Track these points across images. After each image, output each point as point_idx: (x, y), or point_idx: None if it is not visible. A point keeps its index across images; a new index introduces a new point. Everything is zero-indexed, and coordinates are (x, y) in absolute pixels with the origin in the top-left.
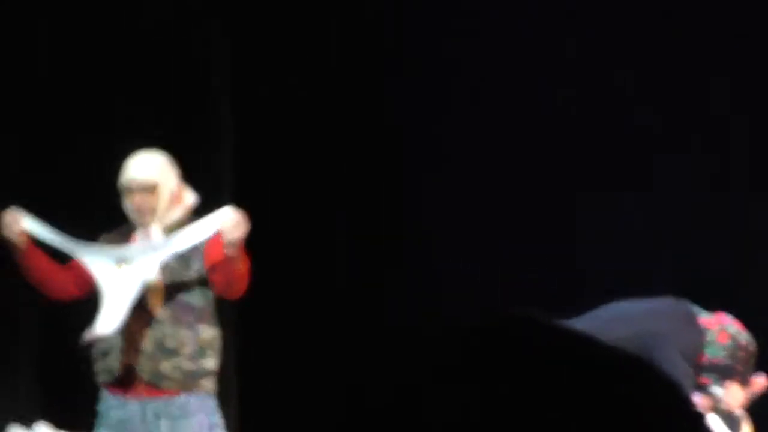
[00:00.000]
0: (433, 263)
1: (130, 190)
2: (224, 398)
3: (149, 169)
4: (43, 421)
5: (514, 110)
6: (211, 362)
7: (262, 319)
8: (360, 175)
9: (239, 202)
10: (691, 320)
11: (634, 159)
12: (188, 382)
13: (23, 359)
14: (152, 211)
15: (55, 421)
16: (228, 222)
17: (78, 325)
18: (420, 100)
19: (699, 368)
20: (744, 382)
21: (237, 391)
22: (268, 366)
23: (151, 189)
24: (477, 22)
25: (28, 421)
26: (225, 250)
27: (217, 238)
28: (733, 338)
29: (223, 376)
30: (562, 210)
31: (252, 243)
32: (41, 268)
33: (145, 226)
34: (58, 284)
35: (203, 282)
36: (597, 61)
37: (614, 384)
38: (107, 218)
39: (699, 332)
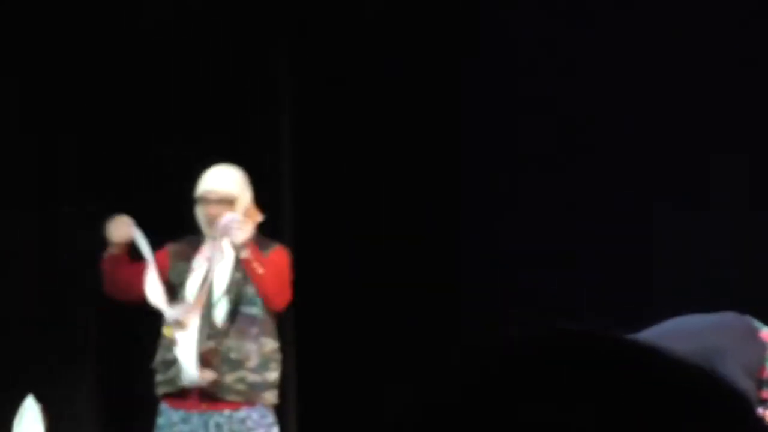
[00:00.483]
0: (500, 272)
1: (207, 201)
2: (282, 410)
3: (229, 183)
4: None
5: (588, 117)
6: (274, 374)
7: (320, 329)
8: (419, 184)
9: (298, 214)
10: (752, 335)
11: (712, 172)
12: (252, 394)
13: (81, 373)
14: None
15: None
16: (231, 225)
17: (136, 339)
18: (490, 102)
19: (760, 383)
20: None
21: (295, 402)
22: (325, 377)
23: (229, 202)
24: (554, 20)
25: None
26: (238, 254)
27: (271, 258)
28: None
29: (281, 388)
30: (636, 220)
31: (311, 255)
32: (130, 273)
33: (216, 238)
34: (136, 289)
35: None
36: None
37: (683, 399)
38: (173, 227)
39: (760, 347)
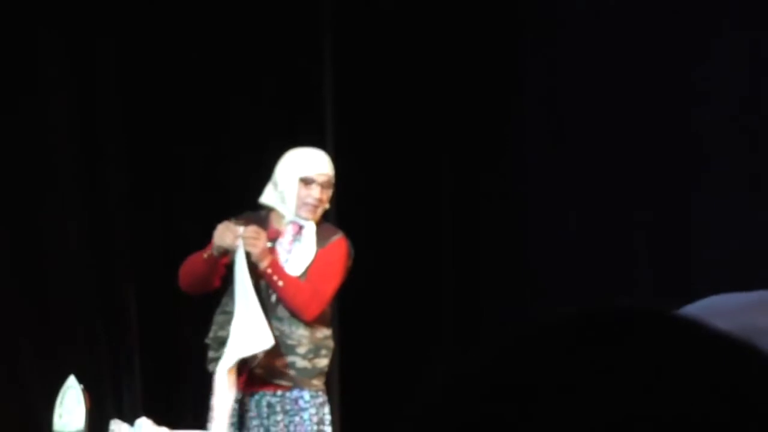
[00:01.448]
0: (539, 260)
1: (313, 181)
2: (328, 396)
3: (331, 166)
4: (144, 417)
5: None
6: (324, 361)
7: (363, 317)
8: (464, 173)
9: (341, 198)
10: None
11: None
12: (301, 380)
13: (125, 354)
14: (321, 208)
15: (155, 417)
16: (246, 236)
17: (178, 317)
18: (543, 82)
19: None
20: None
21: (339, 389)
22: (368, 364)
23: (330, 185)
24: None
25: (131, 417)
26: (257, 265)
27: (324, 252)
28: None
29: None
30: (676, 208)
31: (355, 246)
32: (214, 273)
33: (306, 220)
34: (212, 285)
35: None
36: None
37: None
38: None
39: None
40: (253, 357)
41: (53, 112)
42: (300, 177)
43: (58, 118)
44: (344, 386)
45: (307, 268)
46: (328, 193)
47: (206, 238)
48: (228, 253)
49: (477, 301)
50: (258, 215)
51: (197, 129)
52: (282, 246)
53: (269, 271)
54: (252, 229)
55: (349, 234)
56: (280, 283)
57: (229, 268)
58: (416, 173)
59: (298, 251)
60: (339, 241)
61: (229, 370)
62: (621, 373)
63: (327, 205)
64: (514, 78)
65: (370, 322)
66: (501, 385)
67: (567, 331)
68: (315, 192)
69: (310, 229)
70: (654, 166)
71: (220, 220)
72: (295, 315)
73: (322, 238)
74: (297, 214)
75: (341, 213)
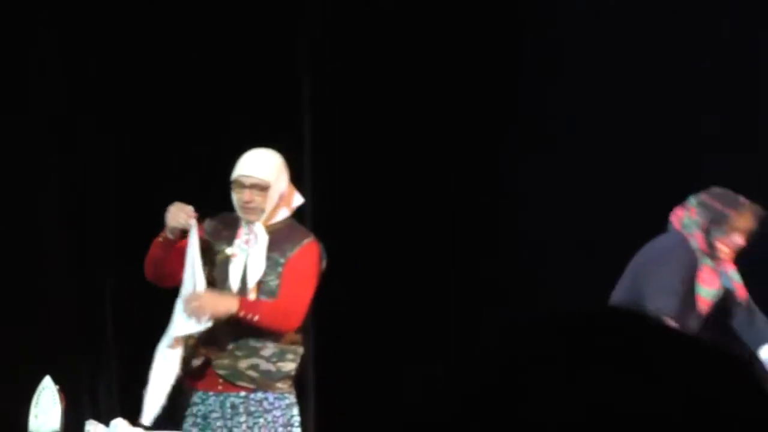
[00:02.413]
0: (511, 264)
1: (242, 185)
2: (301, 399)
3: (264, 168)
4: (120, 417)
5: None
6: (290, 365)
7: (339, 320)
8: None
9: (319, 200)
10: (681, 241)
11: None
12: (264, 382)
13: (101, 355)
14: (261, 210)
15: (131, 418)
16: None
17: (155, 317)
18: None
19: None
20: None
21: (314, 391)
22: (344, 366)
23: (263, 188)
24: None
25: (106, 418)
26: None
27: (294, 258)
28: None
29: (300, 376)
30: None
31: (331, 251)
32: (175, 259)
33: (251, 223)
34: (177, 274)
35: None
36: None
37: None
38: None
39: (689, 249)
40: (215, 358)
41: (37, 112)
42: (232, 180)
43: (42, 119)
44: (319, 390)
45: (280, 274)
46: (259, 194)
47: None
48: (184, 236)
49: (454, 303)
50: (232, 216)
51: (177, 137)
52: (239, 247)
53: (242, 314)
54: (200, 299)
55: (325, 238)
56: (256, 318)
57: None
58: (396, 177)
59: (253, 252)
60: (309, 245)
61: (170, 346)
62: (598, 372)
63: (267, 206)
64: (508, 83)
65: (345, 327)
66: (484, 385)
67: (544, 334)
68: (243, 195)
69: (259, 228)
70: (653, 169)
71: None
72: (280, 334)
73: (291, 241)
74: (243, 218)
75: (317, 217)
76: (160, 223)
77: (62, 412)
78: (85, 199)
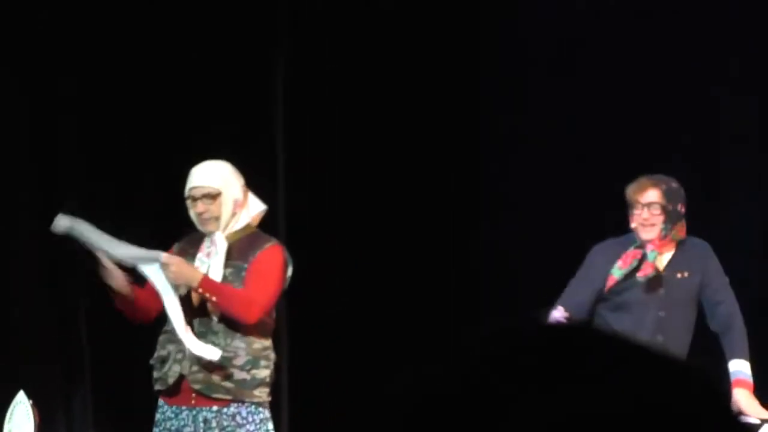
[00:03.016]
0: (486, 272)
1: (194, 198)
2: (275, 408)
3: (212, 177)
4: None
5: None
6: (264, 372)
7: (314, 329)
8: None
9: (291, 211)
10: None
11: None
12: (241, 391)
13: (76, 370)
14: (215, 219)
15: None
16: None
17: (130, 335)
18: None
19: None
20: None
21: (288, 401)
22: (318, 376)
23: (213, 196)
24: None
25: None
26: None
27: (256, 260)
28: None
29: (274, 386)
30: None
31: (304, 254)
32: (145, 300)
33: (209, 234)
34: (147, 311)
35: None
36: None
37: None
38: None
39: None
40: (188, 372)
41: (10, 125)
42: (185, 197)
43: (12, 128)
44: (293, 401)
45: (242, 279)
46: (211, 203)
47: None
48: (129, 289)
49: (429, 312)
50: (198, 234)
51: (149, 150)
52: (200, 260)
53: (200, 290)
54: (168, 258)
55: (298, 248)
56: (214, 299)
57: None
58: (371, 180)
59: (214, 263)
60: (272, 248)
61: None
62: (550, 382)
63: (223, 214)
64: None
65: (320, 335)
66: (442, 396)
67: (502, 345)
68: (196, 206)
69: (219, 237)
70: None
71: (169, 240)
72: (237, 322)
73: (253, 246)
74: (202, 230)
75: (291, 226)
76: (133, 239)
77: (36, 428)
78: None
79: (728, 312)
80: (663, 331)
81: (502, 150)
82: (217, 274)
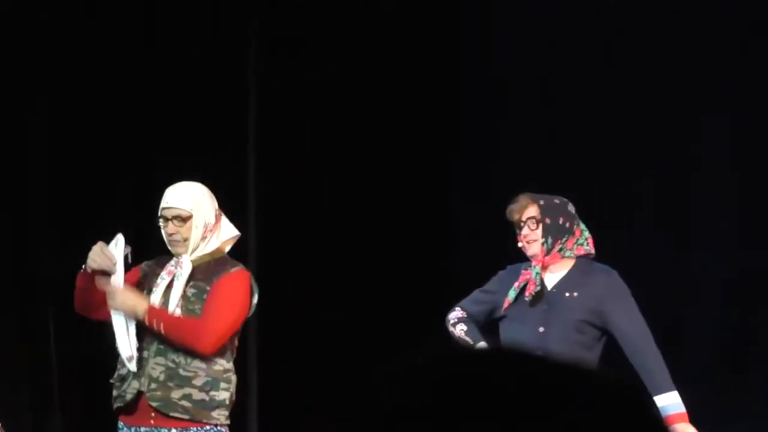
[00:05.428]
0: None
1: (165, 218)
2: (242, 429)
3: (184, 199)
4: None
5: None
6: (224, 394)
7: (283, 350)
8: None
9: (261, 232)
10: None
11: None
12: (198, 412)
13: (45, 392)
14: (184, 242)
15: None
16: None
17: (99, 360)
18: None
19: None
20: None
21: (256, 421)
22: (286, 395)
23: (184, 218)
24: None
25: None
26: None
27: (219, 282)
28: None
29: (241, 407)
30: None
31: (276, 282)
32: (99, 291)
33: (178, 255)
34: (103, 306)
35: None
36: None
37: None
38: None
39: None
40: (147, 391)
41: None
42: (158, 216)
43: None
44: (261, 420)
45: (203, 302)
46: (181, 225)
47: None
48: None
49: (402, 335)
50: (167, 256)
51: (123, 166)
52: (161, 277)
53: (146, 320)
54: (112, 289)
55: (269, 270)
56: (161, 327)
57: None
58: (339, 207)
59: (177, 285)
60: (237, 273)
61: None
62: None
63: (192, 237)
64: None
65: (289, 354)
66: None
67: (435, 373)
68: (167, 227)
69: (185, 260)
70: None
71: (142, 260)
72: (190, 351)
73: (219, 270)
74: (173, 250)
75: (261, 247)
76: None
77: None
78: (26, 236)
79: (635, 341)
80: (543, 347)
81: (480, 160)
82: (176, 294)
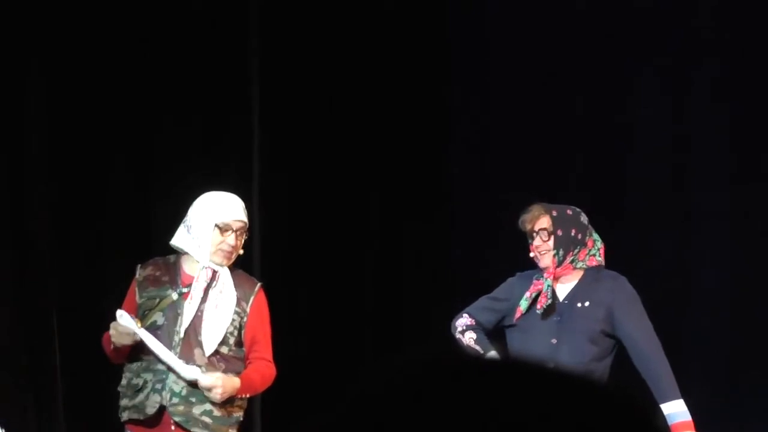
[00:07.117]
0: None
1: (229, 228)
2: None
3: (244, 211)
4: None
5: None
6: (238, 412)
7: (285, 354)
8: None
9: (266, 242)
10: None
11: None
12: (218, 428)
13: (48, 401)
14: (236, 255)
15: None
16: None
17: (102, 368)
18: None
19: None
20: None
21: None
22: (291, 414)
23: (245, 232)
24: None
25: None
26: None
27: (255, 308)
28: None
29: (247, 424)
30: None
31: (279, 292)
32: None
33: (221, 266)
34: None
35: (239, 340)
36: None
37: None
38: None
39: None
40: (168, 404)
41: None
42: (216, 223)
43: None
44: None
45: (242, 327)
46: (243, 239)
47: (130, 283)
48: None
49: (405, 332)
50: (167, 261)
51: (122, 172)
52: (196, 291)
53: (239, 396)
54: (211, 382)
55: (273, 281)
56: (254, 391)
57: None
58: (342, 217)
59: (215, 297)
60: (260, 293)
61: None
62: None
63: (241, 251)
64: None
65: (292, 372)
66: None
67: (411, 381)
68: (230, 239)
69: (225, 274)
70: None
71: (137, 259)
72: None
73: (241, 287)
74: (211, 260)
75: (266, 258)
76: (100, 269)
77: None
78: (30, 245)
79: (642, 348)
80: (555, 358)
81: (472, 158)
82: (224, 310)
